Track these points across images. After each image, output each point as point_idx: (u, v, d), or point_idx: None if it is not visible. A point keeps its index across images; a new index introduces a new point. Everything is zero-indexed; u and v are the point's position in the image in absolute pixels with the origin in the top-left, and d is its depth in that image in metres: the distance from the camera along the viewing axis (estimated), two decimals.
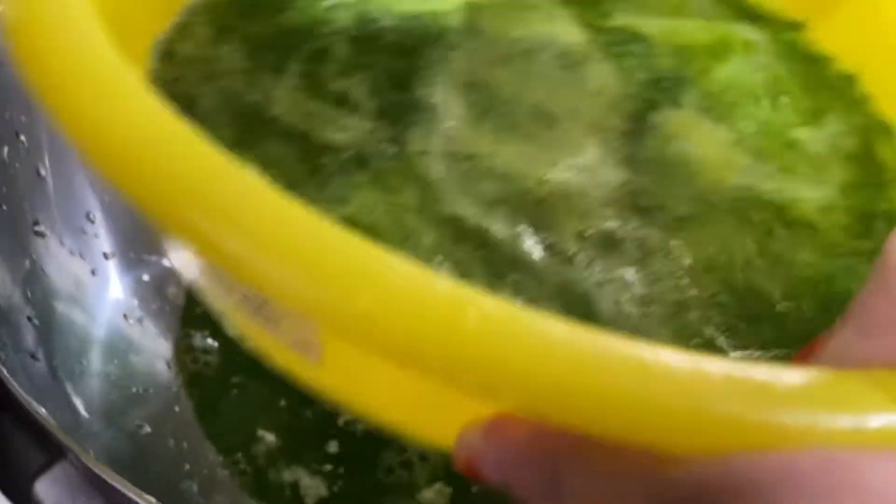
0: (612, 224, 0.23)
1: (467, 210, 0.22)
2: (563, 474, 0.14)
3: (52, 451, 0.27)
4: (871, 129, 0.29)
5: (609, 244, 0.23)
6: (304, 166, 0.22)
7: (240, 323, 0.20)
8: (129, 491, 0.20)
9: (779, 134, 0.28)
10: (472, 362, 0.12)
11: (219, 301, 0.19)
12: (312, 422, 0.28)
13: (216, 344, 0.29)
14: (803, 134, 0.28)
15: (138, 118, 0.13)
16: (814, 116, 0.29)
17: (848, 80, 0.30)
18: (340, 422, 0.28)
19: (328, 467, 0.27)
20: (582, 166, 0.24)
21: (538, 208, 0.23)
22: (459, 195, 0.23)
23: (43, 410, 0.22)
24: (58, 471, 0.27)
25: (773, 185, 0.26)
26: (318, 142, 0.23)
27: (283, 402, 0.28)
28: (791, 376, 0.13)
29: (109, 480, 0.20)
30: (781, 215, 0.25)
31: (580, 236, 0.23)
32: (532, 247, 0.22)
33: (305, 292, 0.12)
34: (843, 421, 0.12)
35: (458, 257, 0.21)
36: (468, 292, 0.12)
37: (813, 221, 0.25)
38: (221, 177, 0.13)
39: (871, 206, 0.27)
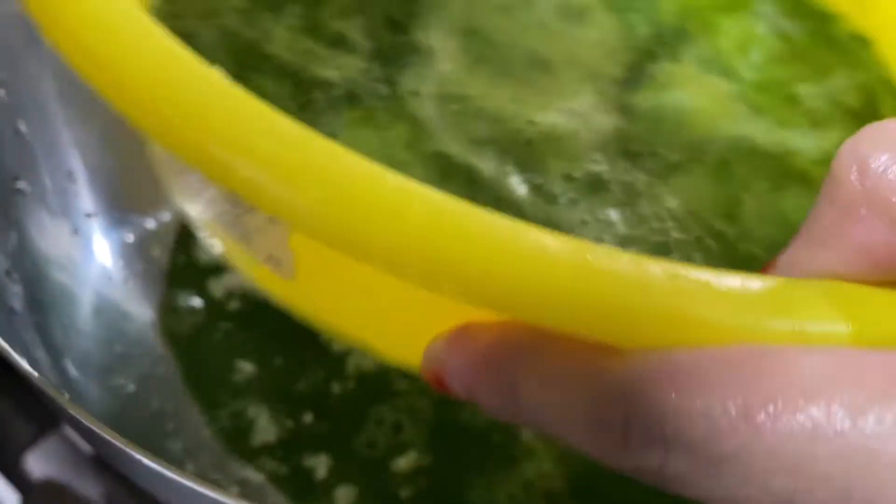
0: (599, 167, 0.23)
1: (456, 148, 0.23)
2: (519, 381, 0.14)
3: (41, 424, 0.27)
4: (876, 87, 0.29)
5: (595, 186, 0.23)
6: (295, 101, 0.23)
7: (223, 244, 0.20)
8: (125, 445, 0.19)
9: (779, 89, 0.28)
10: (414, 252, 0.12)
11: (204, 218, 0.20)
12: (301, 387, 0.28)
13: (201, 304, 0.29)
14: (805, 89, 0.28)
15: (112, 18, 0.14)
16: (818, 72, 0.28)
17: (858, 40, 0.30)
18: (335, 389, 0.28)
19: (305, 427, 0.27)
20: (574, 111, 0.24)
21: (526, 149, 0.23)
22: (449, 134, 0.23)
23: (26, 365, 0.22)
24: (47, 444, 0.27)
25: (768, 137, 0.26)
26: (311, 78, 0.23)
27: (275, 362, 0.28)
28: (733, 280, 0.13)
29: (103, 434, 0.20)
30: (775, 166, 0.25)
31: (567, 178, 0.23)
32: (518, 186, 0.23)
33: (261, 183, 0.13)
34: (781, 323, 0.13)
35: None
36: (416, 187, 0.13)
37: (808, 173, 0.25)
38: (186, 73, 0.13)
39: None
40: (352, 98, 0.23)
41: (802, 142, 0.26)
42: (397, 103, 0.23)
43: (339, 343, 0.28)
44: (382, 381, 0.27)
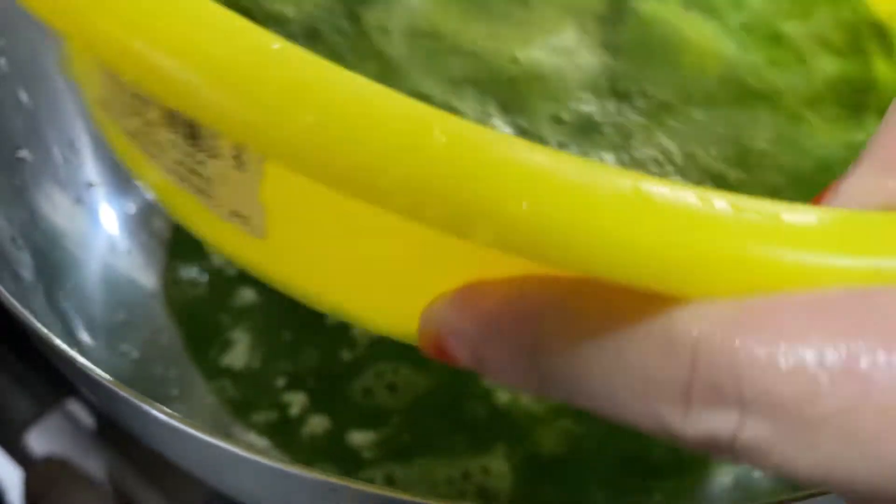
0: (589, 108, 0.21)
1: (432, 89, 0.20)
2: (543, 342, 0.12)
3: (43, 400, 0.27)
4: (861, 26, 0.27)
5: (586, 128, 0.21)
6: None
7: (179, 206, 0.18)
8: (139, 400, 0.19)
9: (765, 26, 0.26)
10: (439, 186, 0.10)
11: (153, 177, 0.17)
12: (305, 358, 0.27)
13: (203, 274, 0.29)
14: (790, 27, 0.26)
15: None
16: (802, 10, 0.27)
17: None
18: (340, 358, 0.27)
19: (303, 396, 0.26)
20: (557, 47, 0.22)
21: (509, 89, 0.21)
22: (423, 73, 0.21)
23: (42, 328, 0.21)
24: (49, 420, 0.27)
25: (758, 75, 0.24)
26: (264, 14, 0.21)
27: (278, 330, 0.27)
28: (804, 214, 0.11)
29: (119, 392, 0.19)
30: (768, 106, 0.24)
31: (555, 119, 0.21)
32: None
33: (241, 108, 0.10)
34: (861, 262, 0.11)
35: None
36: (434, 111, 0.11)
37: (800, 113, 0.24)
38: None
39: (860, 100, 0.25)
40: (312, 35, 0.21)
41: (792, 80, 0.25)
42: (363, 41, 0.21)
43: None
44: (385, 351, 0.26)
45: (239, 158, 0.14)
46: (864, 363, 0.10)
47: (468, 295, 0.13)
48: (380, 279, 0.15)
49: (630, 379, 0.11)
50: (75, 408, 0.28)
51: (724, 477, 0.23)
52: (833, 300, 0.10)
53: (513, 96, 0.21)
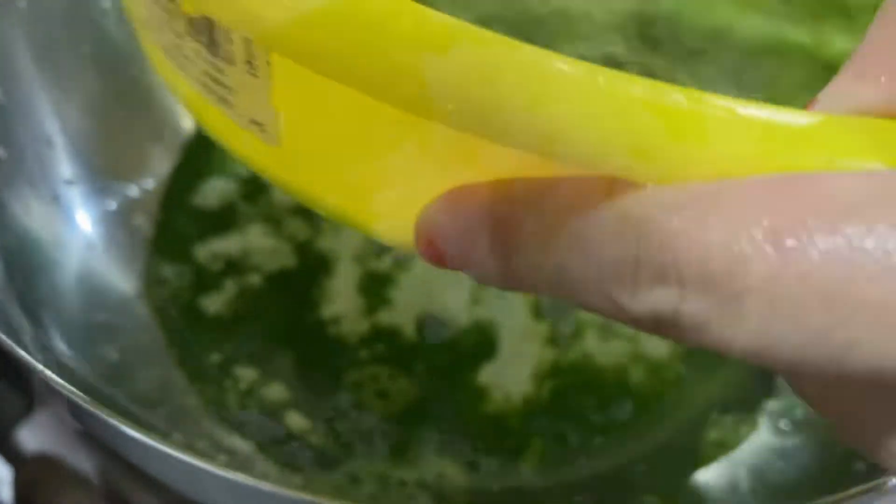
0: (616, 49, 0.21)
1: None
2: (517, 233, 0.13)
3: (34, 397, 0.27)
4: None
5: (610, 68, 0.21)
6: None
7: (206, 118, 0.19)
8: (111, 418, 0.19)
9: None
10: (402, 64, 0.11)
11: (185, 91, 0.18)
12: (288, 354, 0.27)
13: (185, 272, 0.28)
14: None
15: None
16: None
17: None
18: (324, 357, 0.26)
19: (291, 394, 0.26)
20: None
21: (537, 28, 0.21)
22: (451, 8, 0.21)
23: (4, 336, 0.21)
24: (40, 417, 0.27)
25: (799, 28, 0.24)
26: None
27: (263, 327, 0.27)
28: (762, 110, 0.11)
29: (89, 408, 0.19)
30: (804, 55, 0.23)
31: (581, 59, 0.21)
32: None
33: None
34: (810, 157, 0.11)
35: None
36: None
37: (838, 66, 0.24)
38: None
39: None
40: None
41: (836, 36, 0.24)
42: None
43: (329, 310, 0.27)
44: (363, 352, 0.26)
45: (251, 63, 0.15)
46: (787, 236, 0.10)
47: (453, 196, 0.14)
48: (386, 186, 0.16)
49: (589, 264, 0.12)
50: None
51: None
52: (767, 182, 0.11)
53: (540, 35, 0.21)
